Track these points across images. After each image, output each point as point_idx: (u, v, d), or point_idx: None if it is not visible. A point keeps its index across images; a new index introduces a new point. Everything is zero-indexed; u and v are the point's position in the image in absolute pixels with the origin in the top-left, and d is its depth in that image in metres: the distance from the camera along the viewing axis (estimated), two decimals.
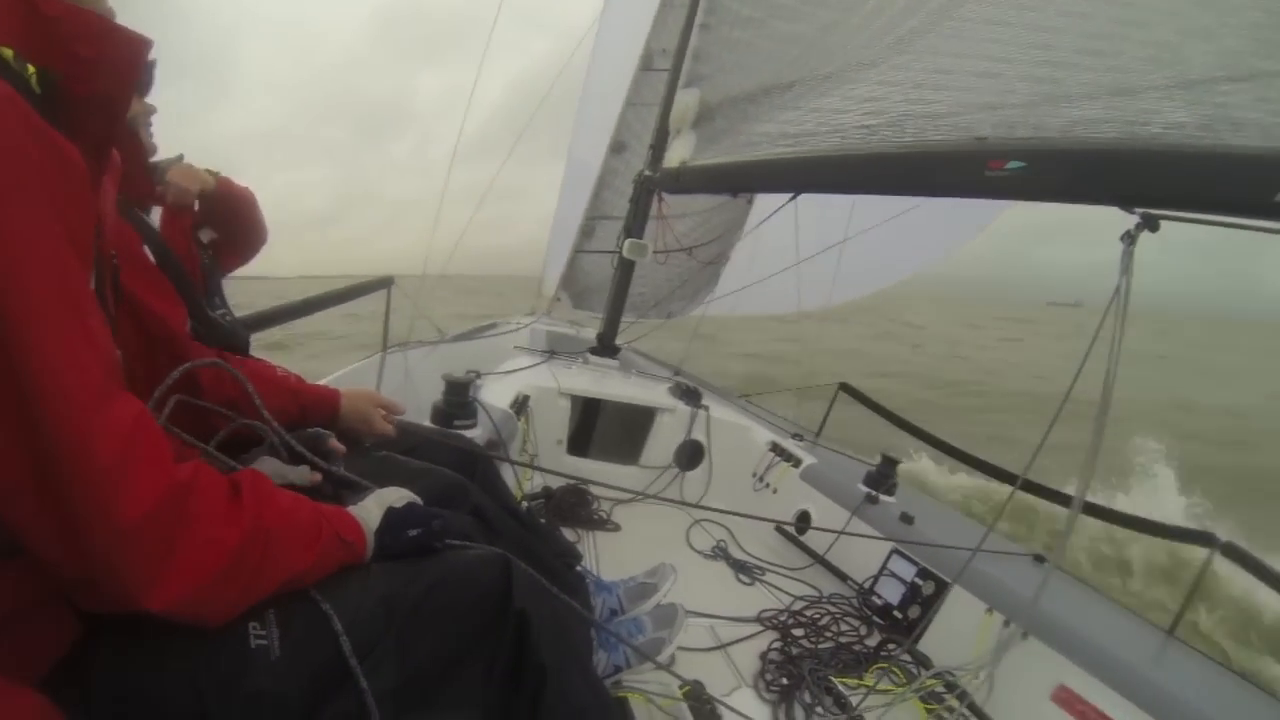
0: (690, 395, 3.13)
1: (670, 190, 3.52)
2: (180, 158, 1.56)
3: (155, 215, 1.47)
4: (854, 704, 1.69)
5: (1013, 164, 1.73)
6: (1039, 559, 2.11)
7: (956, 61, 1.97)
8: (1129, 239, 1.47)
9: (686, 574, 1.96)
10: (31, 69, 0.70)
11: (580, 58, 5.52)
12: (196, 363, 1.14)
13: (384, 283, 3.30)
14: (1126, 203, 1.51)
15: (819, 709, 1.69)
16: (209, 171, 1.61)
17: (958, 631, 1.88)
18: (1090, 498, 1.82)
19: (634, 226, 3.71)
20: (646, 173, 3.64)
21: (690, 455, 3.00)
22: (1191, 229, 1.48)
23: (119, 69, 0.79)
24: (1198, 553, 1.96)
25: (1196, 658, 1.80)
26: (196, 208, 1.57)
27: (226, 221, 1.68)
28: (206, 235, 1.66)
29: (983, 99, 1.88)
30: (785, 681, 1.77)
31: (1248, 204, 1.33)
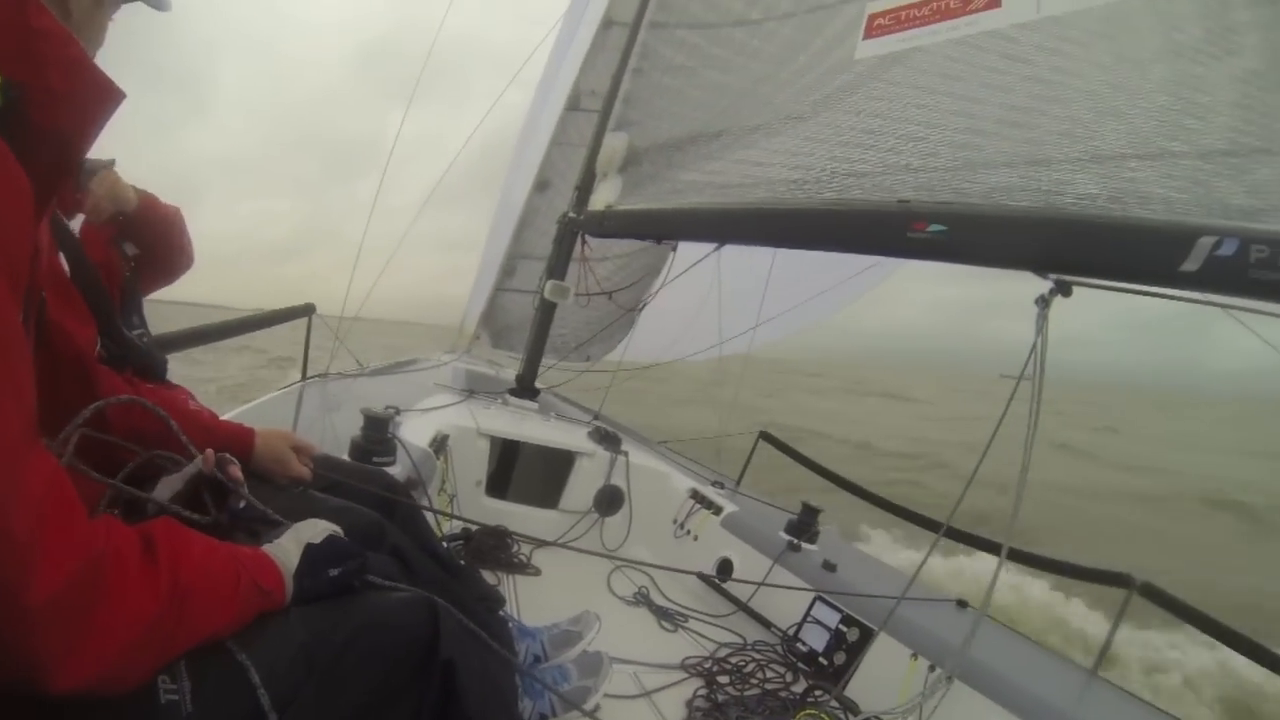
0: (610, 440, 3.08)
1: (595, 234, 3.49)
2: (112, 162, 1.45)
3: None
4: None
5: (934, 227, 1.80)
6: (961, 604, 2.14)
7: (882, 123, 2.05)
8: (1043, 303, 1.55)
9: (608, 620, 1.90)
10: None
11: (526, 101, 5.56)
12: (109, 400, 1.05)
13: (305, 310, 3.20)
14: (1041, 268, 1.59)
15: None
16: (135, 189, 1.50)
17: (884, 677, 1.89)
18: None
19: (556, 268, 3.66)
20: (571, 214, 3.60)
21: (610, 500, 2.94)
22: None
23: (85, 112, 0.73)
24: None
25: (1120, 695, 1.86)
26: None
27: (147, 241, 1.58)
28: (131, 249, 1.56)
29: (906, 161, 1.96)
30: None
31: (1155, 273, 1.42)
